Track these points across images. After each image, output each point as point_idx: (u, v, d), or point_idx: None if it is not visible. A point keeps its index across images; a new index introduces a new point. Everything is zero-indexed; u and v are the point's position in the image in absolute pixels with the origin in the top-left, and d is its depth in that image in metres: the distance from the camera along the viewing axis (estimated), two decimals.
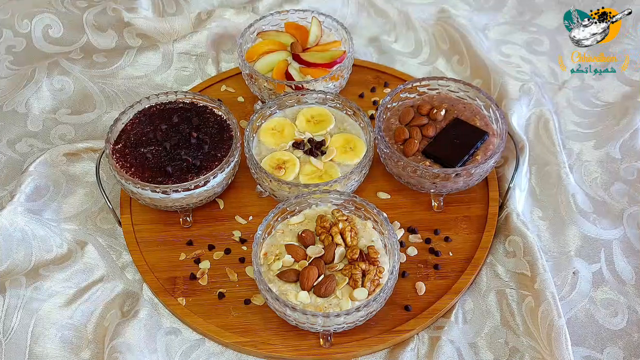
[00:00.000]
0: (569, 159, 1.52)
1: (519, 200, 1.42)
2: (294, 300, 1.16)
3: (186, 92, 1.46)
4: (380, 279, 1.19)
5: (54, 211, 1.43)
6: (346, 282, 1.18)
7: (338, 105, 1.47)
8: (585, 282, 1.32)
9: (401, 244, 1.36)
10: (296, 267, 1.20)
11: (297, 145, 1.40)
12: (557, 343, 1.19)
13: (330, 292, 1.16)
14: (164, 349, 1.25)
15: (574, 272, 1.33)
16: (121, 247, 1.39)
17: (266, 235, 1.25)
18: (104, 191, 1.37)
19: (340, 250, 1.21)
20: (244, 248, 1.37)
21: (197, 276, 1.32)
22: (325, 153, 1.40)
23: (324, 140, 1.41)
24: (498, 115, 1.40)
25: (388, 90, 1.64)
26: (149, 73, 1.70)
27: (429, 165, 1.36)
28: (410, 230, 1.39)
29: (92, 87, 1.66)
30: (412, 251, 1.35)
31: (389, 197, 1.45)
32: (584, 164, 1.52)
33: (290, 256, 1.21)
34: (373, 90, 1.65)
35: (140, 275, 1.34)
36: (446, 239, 1.37)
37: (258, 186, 1.45)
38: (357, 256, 1.20)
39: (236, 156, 1.36)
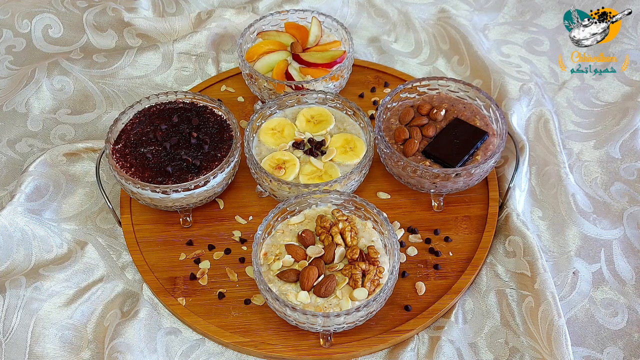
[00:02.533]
0: (569, 159, 1.52)
1: (519, 200, 1.42)
2: (294, 300, 1.16)
3: (186, 92, 1.46)
4: (380, 279, 1.19)
5: (54, 211, 1.43)
6: (346, 282, 1.18)
7: (338, 105, 1.47)
8: (585, 282, 1.32)
9: (401, 244, 1.36)
10: (296, 267, 1.20)
11: (297, 145, 1.40)
12: (557, 343, 1.19)
13: (330, 292, 1.16)
14: (164, 349, 1.25)
15: (574, 272, 1.33)
16: (121, 247, 1.39)
17: (266, 235, 1.25)
18: (104, 191, 1.37)
19: (340, 250, 1.21)
20: (244, 248, 1.37)
21: (197, 276, 1.32)
22: (325, 153, 1.40)
23: (324, 140, 1.41)
24: (498, 115, 1.40)
25: (388, 90, 1.64)
26: (149, 73, 1.70)
27: (429, 165, 1.36)
28: (410, 230, 1.39)
29: (92, 87, 1.66)
30: (412, 251, 1.35)
31: (389, 197, 1.45)
32: (584, 164, 1.52)
33: (290, 256, 1.21)
34: (373, 90, 1.65)
35: (140, 275, 1.34)
36: (446, 239, 1.37)
37: (258, 186, 1.45)
38: (357, 256, 1.20)
39: (236, 156, 1.36)
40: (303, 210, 1.29)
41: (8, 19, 1.79)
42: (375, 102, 1.62)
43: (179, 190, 1.29)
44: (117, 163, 1.33)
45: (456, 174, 1.32)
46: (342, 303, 1.16)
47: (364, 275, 1.18)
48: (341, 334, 1.24)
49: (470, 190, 1.44)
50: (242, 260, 1.35)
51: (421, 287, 1.30)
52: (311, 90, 1.46)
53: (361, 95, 1.63)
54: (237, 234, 1.39)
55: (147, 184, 1.29)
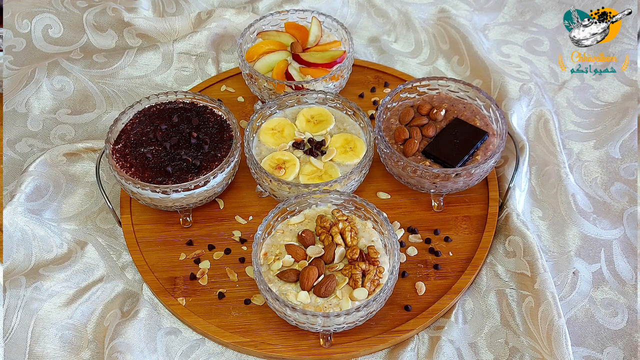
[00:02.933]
0: (569, 159, 1.52)
1: (519, 200, 1.42)
2: (294, 300, 1.16)
3: (186, 92, 1.46)
4: (380, 279, 1.18)
5: (54, 211, 1.43)
6: (346, 282, 1.18)
7: (338, 105, 1.47)
8: (585, 282, 1.32)
9: (401, 244, 1.36)
10: (296, 267, 1.20)
11: (297, 145, 1.40)
12: (557, 343, 1.19)
13: (330, 292, 1.16)
14: (164, 349, 1.25)
15: (574, 272, 1.33)
16: (121, 247, 1.39)
17: (266, 235, 1.25)
18: (104, 191, 1.37)
19: (340, 250, 1.21)
20: (244, 248, 1.37)
21: (197, 276, 1.32)
22: (325, 153, 1.40)
23: (324, 140, 1.41)
24: (498, 115, 1.40)
25: (388, 90, 1.64)
26: (149, 73, 1.70)
27: (429, 165, 1.36)
28: (410, 230, 1.39)
29: (92, 87, 1.66)
30: (412, 251, 1.35)
31: (389, 197, 1.45)
32: (584, 164, 1.52)
33: (290, 256, 1.21)
34: (373, 90, 1.65)
35: (140, 275, 1.34)
36: (446, 239, 1.37)
37: (258, 186, 1.45)
38: (357, 256, 1.20)
39: (236, 156, 1.36)
40: (303, 210, 1.29)
41: (8, 19, 1.79)
42: (375, 102, 1.62)
43: (179, 190, 1.29)
44: (117, 163, 1.33)
45: (456, 174, 1.32)
46: (342, 303, 1.16)
47: (364, 275, 1.18)
48: (341, 334, 1.24)
49: (470, 190, 1.44)
50: (242, 260, 1.35)
51: (421, 287, 1.30)
52: (311, 90, 1.46)
53: (361, 95, 1.63)
54: (237, 234, 1.39)
55: (147, 184, 1.29)
